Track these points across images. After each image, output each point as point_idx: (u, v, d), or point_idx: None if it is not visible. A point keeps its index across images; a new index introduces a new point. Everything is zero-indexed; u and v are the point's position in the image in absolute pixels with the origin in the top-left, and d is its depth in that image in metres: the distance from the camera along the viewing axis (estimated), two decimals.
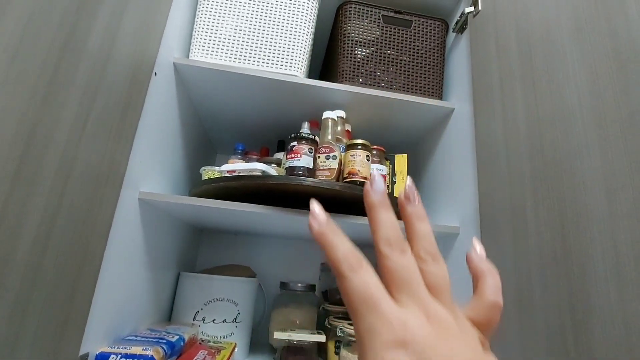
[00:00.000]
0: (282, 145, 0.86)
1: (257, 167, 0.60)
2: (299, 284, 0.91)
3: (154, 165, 0.64)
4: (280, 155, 0.77)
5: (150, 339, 0.58)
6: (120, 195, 0.53)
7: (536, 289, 0.45)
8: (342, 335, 0.73)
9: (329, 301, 0.94)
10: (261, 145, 0.96)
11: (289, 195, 0.62)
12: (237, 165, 0.62)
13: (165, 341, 0.58)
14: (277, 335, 0.76)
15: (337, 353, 0.77)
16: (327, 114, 0.65)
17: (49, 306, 0.39)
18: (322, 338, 0.77)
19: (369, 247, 0.90)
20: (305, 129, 0.65)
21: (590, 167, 0.40)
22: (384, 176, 0.66)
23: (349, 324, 0.73)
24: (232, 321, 0.80)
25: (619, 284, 0.35)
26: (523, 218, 0.48)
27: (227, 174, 0.63)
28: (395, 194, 0.68)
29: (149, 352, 0.52)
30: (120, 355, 0.51)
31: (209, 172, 0.68)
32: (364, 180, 0.61)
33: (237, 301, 0.81)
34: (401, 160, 0.70)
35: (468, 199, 0.63)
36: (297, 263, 1.08)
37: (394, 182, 0.70)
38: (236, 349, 0.78)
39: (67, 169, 0.39)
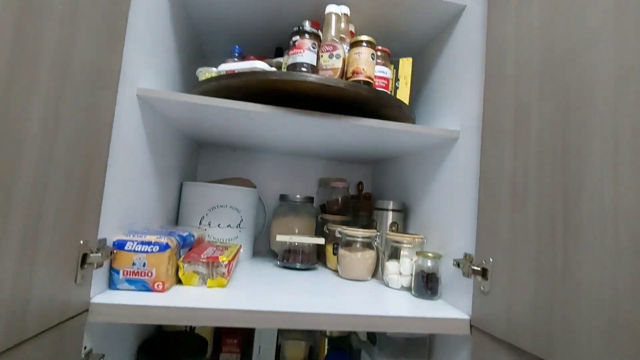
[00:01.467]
0: (281, 52, 0.82)
1: (257, 65, 0.58)
2: (298, 196, 0.95)
3: (149, 63, 0.61)
4: (280, 59, 0.73)
5: (163, 232, 0.62)
6: (118, 91, 0.51)
7: (531, 182, 0.47)
8: (340, 236, 0.79)
9: (327, 212, 0.99)
10: (258, 55, 0.91)
11: (291, 96, 0.61)
12: (236, 65, 0.60)
13: (177, 234, 0.62)
14: (280, 237, 0.82)
15: (334, 254, 0.84)
16: (330, 8, 0.61)
17: (65, 191, 0.40)
18: (321, 240, 0.83)
19: (368, 155, 0.92)
20: (307, 26, 0.61)
21: (603, 56, 0.40)
22: (387, 79, 0.65)
23: (347, 227, 0.78)
24: (236, 226, 0.85)
25: (615, 174, 0.37)
26: (526, 117, 0.49)
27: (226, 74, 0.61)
28: (398, 97, 0.68)
29: (164, 240, 0.56)
30: (136, 242, 0.54)
31: (207, 74, 0.65)
32: (369, 80, 0.59)
33: (239, 208, 0.85)
34: (405, 64, 0.68)
35: (471, 103, 0.62)
36: (295, 178, 1.11)
37: (397, 88, 0.68)
38: (241, 250, 0.84)
39: (62, 61, 0.37)
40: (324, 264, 0.90)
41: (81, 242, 0.44)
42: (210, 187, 0.83)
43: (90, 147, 0.45)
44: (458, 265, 0.60)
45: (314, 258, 0.87)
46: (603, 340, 0.36)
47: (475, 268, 0.55)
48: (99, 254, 0.47)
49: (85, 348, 0.48)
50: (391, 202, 0.82)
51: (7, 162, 0.31)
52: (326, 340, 0.81)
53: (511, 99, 0.52)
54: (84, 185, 0.44)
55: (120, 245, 0.54)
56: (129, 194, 0.58)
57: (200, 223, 0.82)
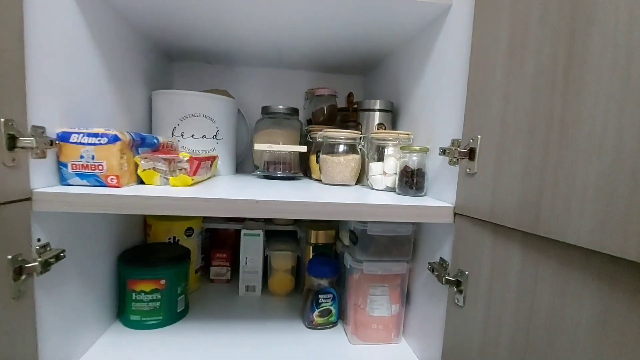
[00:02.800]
0: None
1: None
2: (281, 107, 0.88)
3: None
4: None
5: None
6: None
7: (532, 37, 0.38)
8: (322, 140, 0.73)
9: (313, 123, 0.92)
10: None
11: None
12: None
13: (133, 132, 0.56)
14: (258, 146, 0.76)
15: (318, 162, 0.78)
16: None
17: None
18: (303, 148, 0.77)
19: (355, 56, 0.80)
20: None
21: None
22: None
23: (329, 129, 0.72)
24: (212, 137, 0.79)
25: None
26: None
27: None
28: None
29: (113, 132, 0.50)
30: (82, 134, 0.49)
31: None
32: None
33: (214, 118, 0.78)
34: None
35: None
36: (279, 92, 1.03)
37: None
38: (219, 162, 0.79)
39: None
40: (310, 177, 0.85)
41: (2, 119, 0.39)
42: (179, 95, 0.76)
43: None
44: (444, 153, 0.53)
45: (298, 168, 0.82)
46: (597, 194, 0.30)
47: (462, 150, 0.49)
48: (32, 139, 0.42)
49: (39, 240, 0.46)
50: (378, 102, 0.74)
51: None
52: (311, 248, 0.79)
53: None
54: None
55: (64, 137, 0.49)
56: (72, 85, 0.52)
57: (172, 134, 0.76)
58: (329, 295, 0.70)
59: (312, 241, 0.78)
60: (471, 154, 0.48)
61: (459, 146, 0.51)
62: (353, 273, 0.65)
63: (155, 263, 0.68)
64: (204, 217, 0.92)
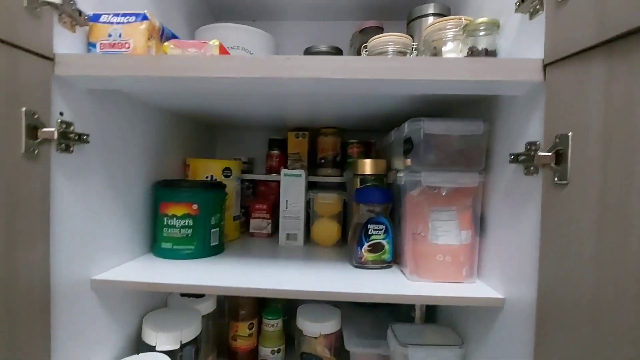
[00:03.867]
0: None
1: None
2: (323, 46, 0.82)
3: None
4: None
5: None
6: None
7: None
8: (367, 53, 0.64)
9: None
10: None
11: None
12: None
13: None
14: None
15: None
16: None
17: None
18: None
19: None
20: None
21: None
22: None
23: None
24: None
25: None
26: None
27: None
28: None
29: (143, 11, 0.48)
30: (112, 14, 0.48)
31: None
32: None
33: (252, 51, 0.75)
34: None
35: None
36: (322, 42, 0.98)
37: None
38: None
39: None
40: None
41: None
42: (217, 28, 0.75)
43: None
44: (522, 2, 0.42)
45: None
46: None
47: None
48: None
49: (62, 114, 0.43)
50: (431, 5, 0.64)
51: None
52: (358, 180, 0.68)
53: None
54: None
55: (95, 17, 0.47)
56: None
57: None
58: (380, 226, 0.58)
59: (359, 172, 0.67)
60: None
61: None
62: (409, 191, 0.53)
63: (189, 187, 0.63)
64: (243, 171, 0.87)
